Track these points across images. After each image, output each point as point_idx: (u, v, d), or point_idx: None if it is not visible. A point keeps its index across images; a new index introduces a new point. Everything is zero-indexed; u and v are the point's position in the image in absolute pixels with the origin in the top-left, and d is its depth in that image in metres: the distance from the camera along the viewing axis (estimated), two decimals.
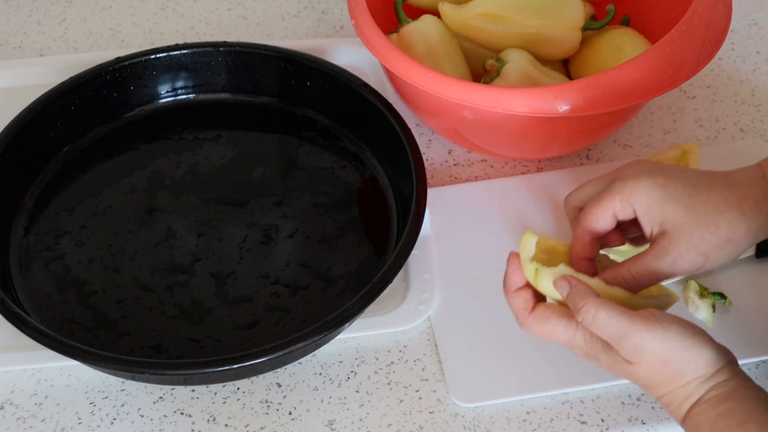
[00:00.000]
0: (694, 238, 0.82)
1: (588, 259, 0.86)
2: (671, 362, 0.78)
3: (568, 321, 0.81)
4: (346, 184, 1.07)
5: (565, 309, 0.82)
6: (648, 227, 0.84)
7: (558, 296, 0.82)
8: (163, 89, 1.14)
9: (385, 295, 0.93)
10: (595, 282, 0.82)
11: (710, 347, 0.79)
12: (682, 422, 0.80)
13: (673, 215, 0.82)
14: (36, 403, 0.94)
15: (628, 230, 0.88)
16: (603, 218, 0.85)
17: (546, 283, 0.82)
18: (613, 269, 0.84)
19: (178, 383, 0.94)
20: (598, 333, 0.79)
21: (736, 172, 0.85)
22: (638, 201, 0.83)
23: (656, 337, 0.78)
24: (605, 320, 0.78)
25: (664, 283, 0.85)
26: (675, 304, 0.85)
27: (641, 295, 0.84)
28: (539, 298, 0.84)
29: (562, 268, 0.82)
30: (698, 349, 0.78)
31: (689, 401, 0.78)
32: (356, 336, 0.97)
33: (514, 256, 0.84)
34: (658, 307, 0.82)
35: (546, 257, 0.86)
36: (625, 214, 0.84)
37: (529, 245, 0.84)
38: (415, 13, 1.13)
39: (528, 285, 0.84)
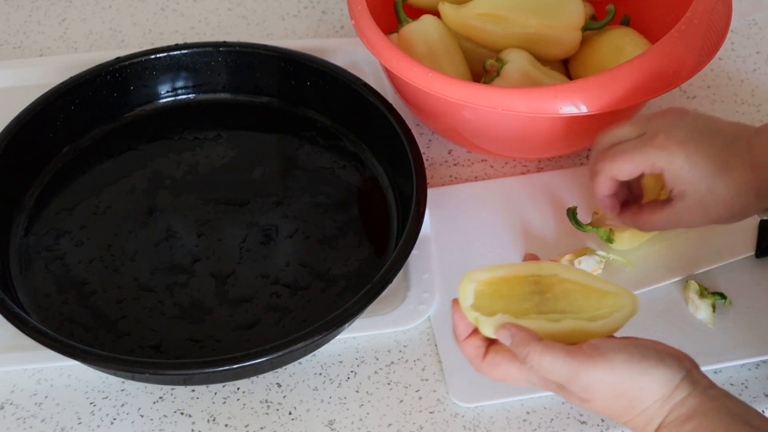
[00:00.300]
0: (709, 210, 0.89)
1: (610, 197, 0.93)
2: (624, 393, 0.76)
3: (519, 364, 0.80)
4: (346, 184, 1.07)
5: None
6: (671, 187, 0.90)
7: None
8: (163, 89, 1.14)
9: (385, 295, 0.93)
10: (534, 324, 0.80)
11: (663, 366, 0.76)
12: None
13: (696, 189, 0.88)
14: (36, 403, 0.94)
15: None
16: (630, 174, 0.91)
17: (488, 332, 0.81)
18: (632, 211, 0.92)
19: (178, 383, 0.94)
20: (547, 377, 0.79)
21: (759, 149, 0.88)
22: (668, 171, 0.89)
23: (604, 373, 0.76)
24: (550, 365, 0.77)
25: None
26: (671, 303, 0.83)
27: (592, 319, 0.81)
28: (491, 341, 0.82)
29: (500, 318, 0.80)
30: (650, 374, 0.76)
31: (650, 427, 0.77)
32: (356, 336, 0.97)
33: (455, 304, 0.82)
34: (614, 327, 0.80)
35: (491, 292, 0.82)
36: (651, 172, 0.91)
37: (466, 293, 0.81)
38: (415, 13, 1.13)
39: (476, 330, 0.82)
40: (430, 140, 1.13)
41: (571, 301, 0.81)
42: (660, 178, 0.91)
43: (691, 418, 0.75)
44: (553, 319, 0.80)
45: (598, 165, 0.92)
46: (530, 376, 0.80)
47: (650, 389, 0.76)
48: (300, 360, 0.95)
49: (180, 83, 1.14)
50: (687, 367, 0.77)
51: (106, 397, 0.94)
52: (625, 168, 0.90)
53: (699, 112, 0.92)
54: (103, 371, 0.93)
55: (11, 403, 0.94)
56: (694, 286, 0.98)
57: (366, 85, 1.08)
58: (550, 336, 0.79)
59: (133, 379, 0.93)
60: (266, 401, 0.93)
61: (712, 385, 0.77)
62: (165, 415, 0.93)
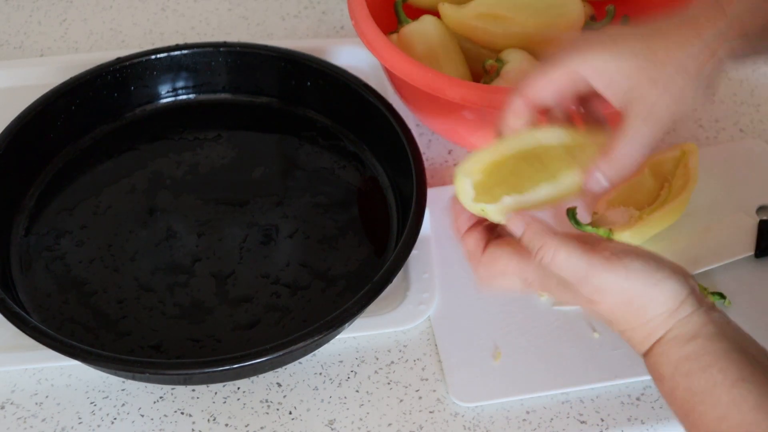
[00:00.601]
0: (662, 80, 0.77)
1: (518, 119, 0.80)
2: (634, 301, 0.75)
3: (520, 258, 0.77)
4: (346, 184, 1.07)
5: (518, 245, 0.77)
6: (615, 98, 0.78)
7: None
8: (164, 89, 1.14)
9: (385, 295, 0.94)
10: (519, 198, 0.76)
11: (673, 279, 0.75)
12: (644, 357, 0.77)
13: (638, 74, 0.77)
14: (36, 403, 0.94)
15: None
16: (543, 88, 0.79)
17: (499, 218, 0.76)
18: (601, 156, 0.78)
19: (179, 383, 0.94)
20: (557, 273, 0.76)
21: (690, 9, 0.79)
22: (595, 74, 0.78)
23: (618, 278, 0.74)
24: (564, 262, 0.75)
25: None
26: None
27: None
28: (491, 238, 0.79)
29: (508, 200, 0.76)
30: (661, 286, 0.75)
31: (651, 339, 0.75)
32: (356, 336, 0.97)
33: (454, 201, 0.78)
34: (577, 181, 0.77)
35: (486, 180, 0.78)
36: (570, 89, 0.79)
37: (465, 188, 0.76)
38: (415, 13, 1.13)
39: (479, 223, 0.78)
40: (430, 140, 1.14)
41: (555, 166, 0.78)
42: (659, 176, 0.88)
43: (693, 338, 0.74)
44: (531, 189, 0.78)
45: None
46: (530, 273, 0.77)
47: (658, 301, 0.75)
48: (300, 360, 0.95)
49: (180, 83, 1.14)
50: (691, 285, 0.76)
51: (107, 397, 0.94)
52: (534, 83, 0.79)
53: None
54: (103, 371, 0.93)
55: (12, 403, 0.94)
56: None
57: (366, 85, 1.08)
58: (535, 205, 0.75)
59: (134, 378, 0.93)
60: (266, 401, 0.94)
61: (713, 307, 0.76)
62: (165, 415, 0.93)
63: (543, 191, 0.78)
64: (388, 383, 0.94)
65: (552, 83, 0.79)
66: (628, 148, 0.78)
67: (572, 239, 0.76)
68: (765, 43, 0.81)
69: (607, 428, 0.91)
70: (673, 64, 0.77)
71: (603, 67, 0.78)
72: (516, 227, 0.77)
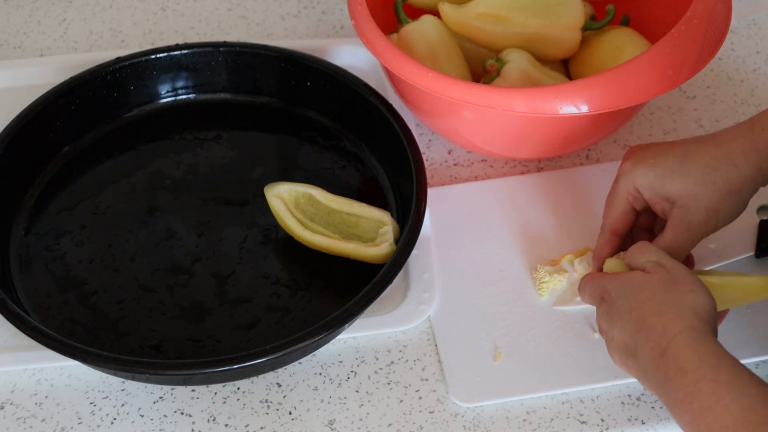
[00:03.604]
0: (699, 197, 0.89)
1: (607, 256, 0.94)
2: (680, 284, 0.82)
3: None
4: (346, 184, 1.07)
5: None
6: (658, 206, 0.91)
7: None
8: (164, 89, 1.14)
9: (385, 295, 0.94)
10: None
11: (713, 303, 0.81)
12: (663, 353, 0.79)
13: (672, 185, 0.89)
14: (36, 403, 0.94)
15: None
16: (622, 214, 0.93)
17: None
18: (640, 247, 0.88)
19: (178, 383, 0.94)
20: (638, 254, 0.87)
21: (723, 132, 0.91)
22: (641, 187, 0.91)
23: (683, 267, 0.84)
24: (650, 246, 0.88)
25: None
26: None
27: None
28: None
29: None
30: (705, 291, 0.82)
31: (673, 328, 0.79)
32: (356, 336, 0.97)
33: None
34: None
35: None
36: (639, 204, 0.93)
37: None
38: (415, 13, 1.13)
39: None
40: (430, 140, 1.13)
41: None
42: None
43: (713, 339, 0.79)
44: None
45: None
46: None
47: (697, 299, 0.82)
48: (300, 360, 0.95)
49: (180, 83, 1.14)
50: (715, 321, 0.83)
51: (107, 397, 0.94)
52: (612, 213, 0.93)
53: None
54: (103, 371, 0.93)
55: (11, 403, 0.94)
56: None
57: (366, 86, 1.08)
58: None
59: (134, 379, 0.93)
60: (266, 401, 0.94)
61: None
62: (165, 415, 0.93)
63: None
64: (388, 383, 0.94)
65: (621, 205, 0.93)
66: (665, 241, 0.90)
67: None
68: None
69: (607, 428, 0.91)
70: (707, 183, 0.89)
71: (648, 183, 0.91)
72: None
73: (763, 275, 0.88)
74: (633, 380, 0.93)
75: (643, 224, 0.96)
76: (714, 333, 0.81)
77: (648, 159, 0.91)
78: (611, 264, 0.91)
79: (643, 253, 0.87)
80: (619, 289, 0.85)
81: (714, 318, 0.81)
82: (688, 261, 0.94)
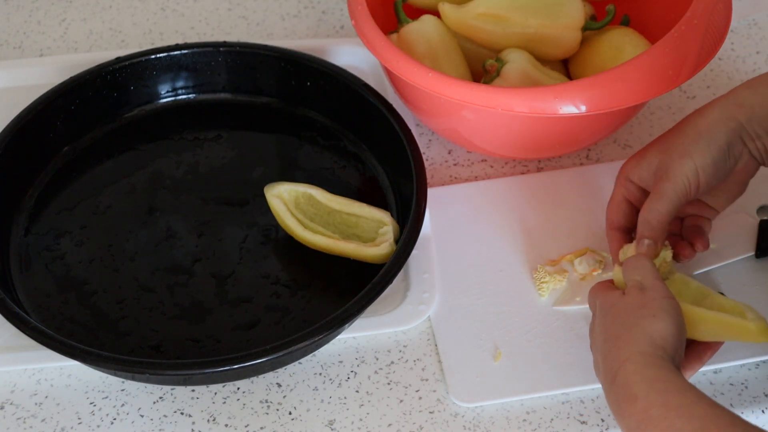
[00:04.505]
0: (672, 150, 0.90)
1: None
2: (646, 307, 0.82)
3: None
4: (346, 184, 1.07)
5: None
6: (649, 186, 0.92)
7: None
8: (164, 89, 1.14)
9: (385, 295, 0.94)
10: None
11: (675, 329, 0.81)
12: (613, 381, 0.79)
13: (656, 160, 0.91)
14: (36, 403, 0.94)
15: None
16: (618, 208, 0.95)
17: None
18: (630, 263, 0.88)
19: (178, 383, 0.94)
20: (631, 269, 0.87)
21: (741, 93, 0.91)
22: (633, 175, 0.93)
23: (662, 291, 0.83)
24: (645, 262, 0.87)
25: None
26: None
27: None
28: None
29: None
30: (668, 318, 0.81)
31: (625, 351, 0.79)
32: (356, 336, 0.97)
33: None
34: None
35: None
36: (633, 196, 0.95)
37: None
38: (415, 13, 1.13)
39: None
40: (430, 140, 1.13)
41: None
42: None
43: (664, 365, 0.79)
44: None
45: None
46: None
47: (654, 325, 0.81)
48: (300, 360, 0.95)
49: (180, 83, 1.14)
50: (680, 354, 0.82)
51: (106, 397, 0.94)
52: (610, 209, 0.96)
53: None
54: (103, 371, 0.93)
55: (11, 403, 0.94)
56: None
57: (366, 86, 1.08)
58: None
59: (133, 379, 0.93)
60: (266, 401, 0.94)
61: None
62: (165, 415, 0.93)
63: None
64: (388, 383, 0.94)
65: (618, 198, 0.95)
66: (655, 206, 0.90)
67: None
68: None
69: (607, 428, 0.91)
70: (688, 142, 0.90)
71: (638, 169, 0.93)
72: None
73: (758, 320, 0.85)
74: None
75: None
76: (669, 359, 0.79)
77: (637, 153, 0.94)
78: (627, 252, 0.92)
79: (631, 270, 0.86)
80: (599, 308, 0.86)
81: (673, 344, 0.80)
82: (698, 243, 0.96)
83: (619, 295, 0.84)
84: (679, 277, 0.91)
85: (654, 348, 0.79)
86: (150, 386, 0.94)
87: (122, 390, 0.94)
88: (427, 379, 0.95)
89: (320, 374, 0.95)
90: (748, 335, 0.85)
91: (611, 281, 0.90)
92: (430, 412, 0.92)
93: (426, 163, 1.09)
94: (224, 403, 0.94)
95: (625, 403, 0.78)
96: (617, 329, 0.82)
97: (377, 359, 0.96)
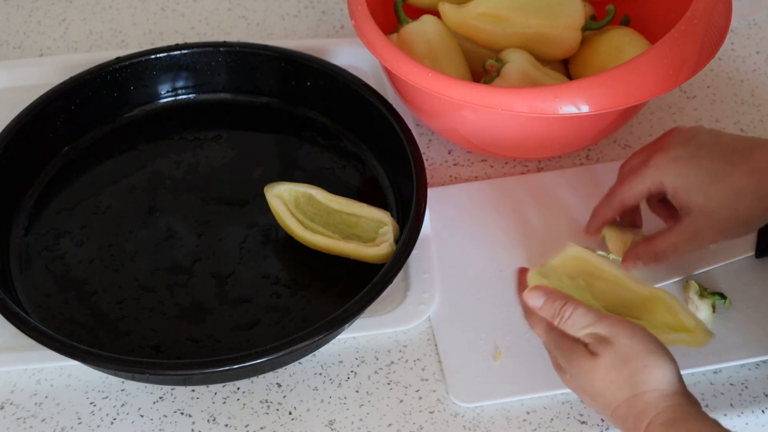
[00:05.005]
0: (714, 220, 0.90)
1: (606, 220, 0.98)
2: (631, 361, 0.80)
3: (547, 325, 0.86)
4: (346, 184, 1.07)
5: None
6: (676, 203, 0.93)
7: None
8: (164, 89, 1.14)
9: (385, 295, 0.94)
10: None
11: (672, 365, 0.80)
12: None
13: (696, 198, 0.91)
14: (36, 403, 0.94)
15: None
16: (635, 197, 0.95)
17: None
18: (644, 244, 0.94)
19: (178, 383, 0.94)
20: (572, 329, 0.83)
21: (759, 156, 0.90)
22: (668, 185, 0.93)
23: (625, 331, 0.81)
24: (581, 316, 0.83)
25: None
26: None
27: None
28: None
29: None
30: (658, 359, 0.80)
31: (645, 419, 0.79)
32: (356, 336, 0.97)
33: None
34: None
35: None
36: (657, 192, 0.94)
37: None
38: (415, 13, 1.13)
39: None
40: (430, 140, 1.13)
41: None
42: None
43: (679, 422, 0.78)
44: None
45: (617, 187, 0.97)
46: (549, 336, 0.86)
47: (653, 374, 0.79)
48: (300, 360, 0.95)
49: (180, 83, 1.14)
50: (683, 385, 0.81)
51: (106, 397, 0.94)
52: (628, 192, 0.95)
53: (704, 128, 0.95)
54: (103, 371, 0.93)
55: (11, 403, 0.94)
56: (694, 286, 0.98)
57: (366, 86, 1.08)
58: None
59: (133, 379, 0.93)
60: (266, 401, 0.94)
61: (698, 405, 0.81)
62: (165, 415, 0.93)
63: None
64: (388, 383, 0.94)
65: (637, 190, 0.95)
66: (672, 240, 0.93)
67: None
68: None
69: (607, 428, 0.91)
70: (729, 209, 0.90)
71: (674, 189, 0.92)
72: (536, 299, 0.87)
73: (703, 331, 0.88)
74: None
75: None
76: (682, 392, 0.79)
77: (683, 162, 0.92)
78: (608, 233, 0.97)
79: (578, 326, 0.84)
80: (568, 365, 0.84)
81: (677, 378, 0.80)
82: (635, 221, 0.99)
83: (589, 359, 0.82)
84: (613, 276, 0.93)
85: (666, 397, 0.79)
86: (150, 386, 0.94)
87: (122, 390, 0.94)
88: (427, 379, 0.95)
89: (320, 374, 0.95)
90: (691, 343, 0.89)
91: (553, 327, 0.87)
92: (430, 412, 0.92)
93: (426, 163, 1.09)
94: (224, 403, 0.94)
95: None
96: (616, 397, 0.81)
97: (377, 359, 0.96)
